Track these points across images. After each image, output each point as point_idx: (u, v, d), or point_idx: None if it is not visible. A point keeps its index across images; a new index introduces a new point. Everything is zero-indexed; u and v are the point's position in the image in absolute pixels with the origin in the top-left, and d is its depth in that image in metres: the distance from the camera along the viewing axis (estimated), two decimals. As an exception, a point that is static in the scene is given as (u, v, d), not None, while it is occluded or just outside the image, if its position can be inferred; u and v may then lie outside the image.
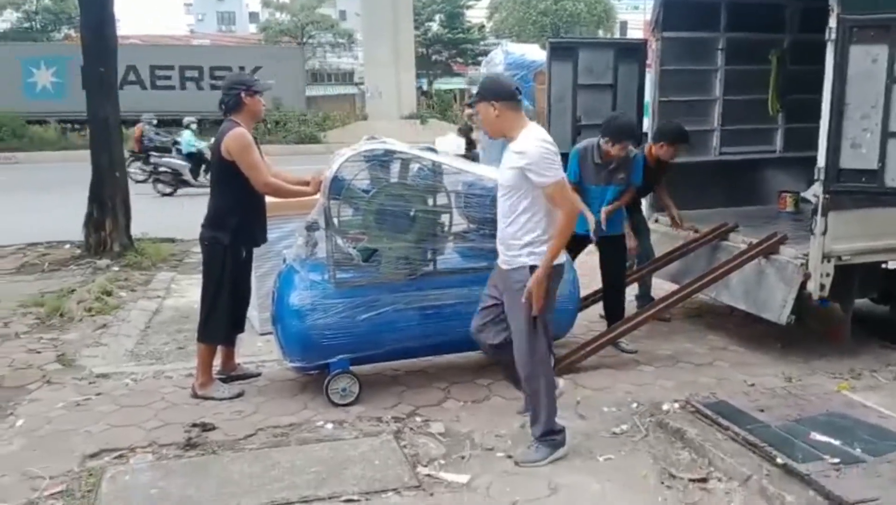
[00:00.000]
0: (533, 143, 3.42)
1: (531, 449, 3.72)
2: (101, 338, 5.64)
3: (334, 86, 37.52)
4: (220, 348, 4.59)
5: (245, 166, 4.22)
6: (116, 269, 7.66)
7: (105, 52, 8.25)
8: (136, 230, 8.49)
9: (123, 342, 5.61)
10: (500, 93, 3.52)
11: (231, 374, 4.67)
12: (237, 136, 4.21)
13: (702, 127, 6.83)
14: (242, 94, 4.31)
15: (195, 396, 4.41)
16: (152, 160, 14.51)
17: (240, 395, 4.44)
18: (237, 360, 4.82)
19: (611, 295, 5.43)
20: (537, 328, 3.57)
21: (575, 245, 5.02)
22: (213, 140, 4.57)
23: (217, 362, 4.61)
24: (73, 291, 6.56)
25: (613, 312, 5.38)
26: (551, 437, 3.71)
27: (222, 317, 4.42)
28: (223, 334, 4.51)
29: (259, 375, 4.78)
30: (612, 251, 5.35)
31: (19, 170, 19.33)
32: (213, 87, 24.00)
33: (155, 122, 16.41)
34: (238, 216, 4.31)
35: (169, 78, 26.30)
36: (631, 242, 5.58)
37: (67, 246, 8.70)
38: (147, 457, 3.76)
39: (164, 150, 15.05)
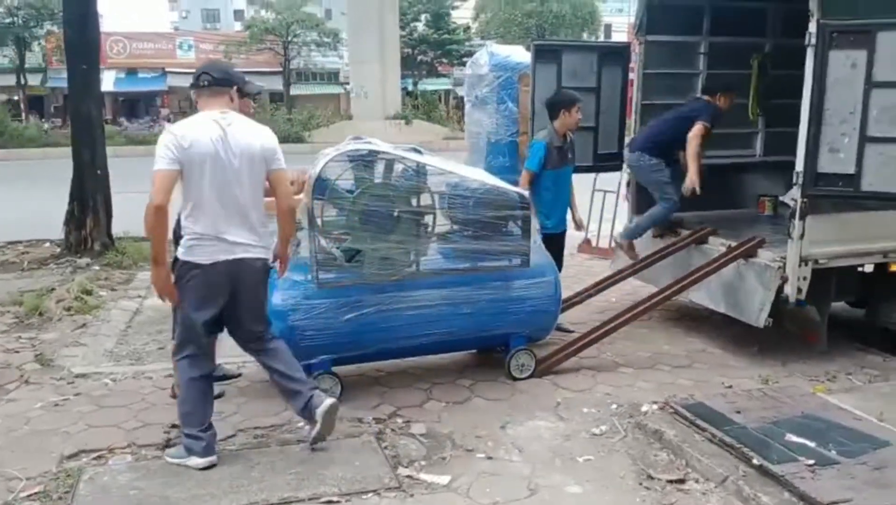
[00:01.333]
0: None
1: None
2: (81, 338, 5.60)
3: (319, 85, 37.41)
4: None
5: None
6: (97, 268, 7.61)
7: (88, 49, 8.19)
8: (117, 229, 8.43)
9: (103, 342, 5.57)
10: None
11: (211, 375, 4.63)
12: None
13: (683, 130, 6.88)
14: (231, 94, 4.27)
15: (174, 396, 4.38)
16: None
17: (219, 396, 4.41)
18: (217, 360, 4.78)
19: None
20: (177, 321, 3.56)
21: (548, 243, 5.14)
22: None
23: None
24: (52, 289, 6.50)
25: None
26: (187, 438, 3.58)
27: None
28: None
29: (240, 375, 4.77)
30: (558, 249, 5.49)
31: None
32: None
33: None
34: None
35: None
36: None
37: (47, 244, 8.62)
38: (126, 458, 3.74)
39: None
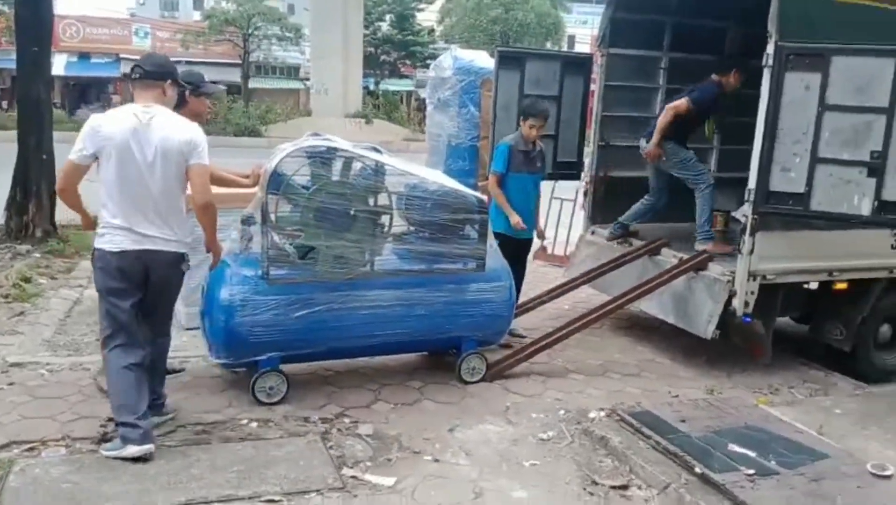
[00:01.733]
0: None
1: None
2: (18, 326, 5.40)
3: (279, 79, 36.96)
4: None
5: None
6: (37, 255, 7.35)
7: (40, 32, 7.96)
8: (61, 216, 8.15)
9: (41, 331, 5.39)
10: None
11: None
12: None
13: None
14: (187, 93, 4.17)
15: (101, 390, 4.18)
16: None
17: (180, 371, 4.32)
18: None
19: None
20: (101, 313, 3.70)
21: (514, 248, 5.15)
22: None
23: None
24: (-10, 275, 6.26)
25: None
26: (123, 428, 3.53)
27: None
28: None
29: (182, 370, 4.65)
30: (522, 252, 5.58)
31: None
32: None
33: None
34: None
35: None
36: None
37: (-14, 229, 8.30)
38: (59, 451, 3.61)
39: None
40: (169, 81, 3.69)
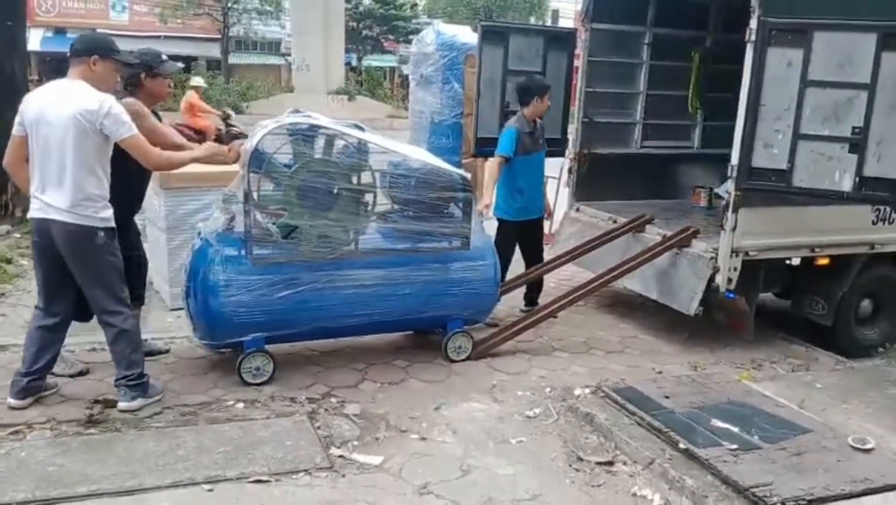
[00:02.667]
0: None
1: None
2: (-1, 307, 5.34)
3: (259, 55, 36.49)
4: None
5: (146, 132, 3.93)
6: (17, 235, 7.24)
7: (13, 5, 7.78)
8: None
9: (22, 313, 5.31)
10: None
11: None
12: (129, 104, 3.92)
13: (625, 120, 6.99)
14: (143, 76, 4.10)
15: (81, 374, 4.25)
16: None
17: (82, 373, 4.25)
18: (144, 335, 4.63)
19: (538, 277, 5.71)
20: None
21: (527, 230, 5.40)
22: None
23: None
24: (-32, 256, 6.18)
25: (537, 295, 5.72)
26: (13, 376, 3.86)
27: None
28: None
29: (167, 351, 4.63)
30: (537, 236, 5.70)
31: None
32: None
33: None
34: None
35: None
36: None
37: (-36, 209, 8.16)
38: (45, 433, 3.59)
39: None
40: (96, 56, 3.70)
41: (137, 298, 4.36)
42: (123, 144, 3.66)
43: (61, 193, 3.60)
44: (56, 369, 4.10)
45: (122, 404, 3.83)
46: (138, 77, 4.10)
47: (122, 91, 4.07)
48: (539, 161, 5.61)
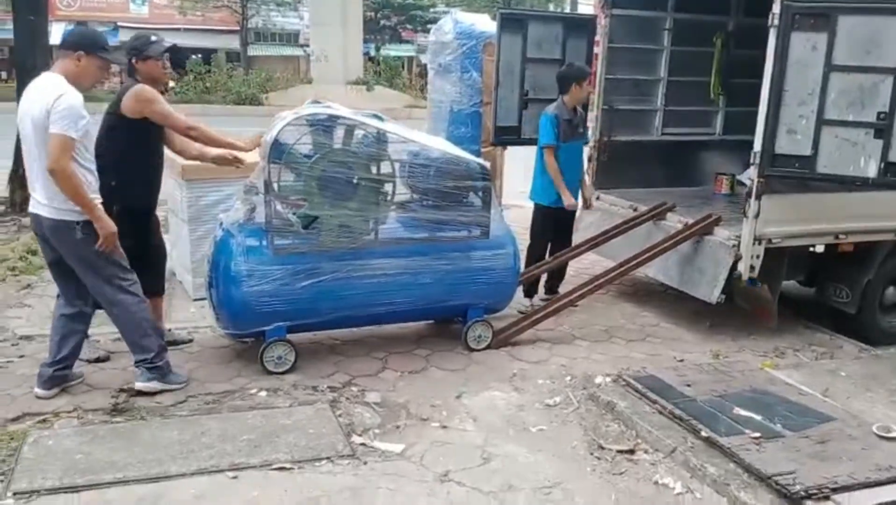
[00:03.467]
0: None
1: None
2: (26, 299, 5.43)
3: (278, 46, 36.55)
4: None
5: (159, 117, 4.06)
6: (43, 227, 7.34)
7: (36, 0, 7.83)
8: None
9: (48, 303, 5.35)
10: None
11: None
12: (139, 91, 4.02)
13: (645, 106, 6.92)
14: (133, 60, 4.12)
15: (97, 360, 4.32)
16: None
17: (103, 359, 4.33)
18: (168, 325, 4.70)
19: (559, 265, 5.70)
20: None
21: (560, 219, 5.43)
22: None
23: None
24: (-5, 248, 6.28)
25: (558, 284, 5.74)
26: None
27: None
28: None
29: (191, 341, 4.68)
30: (569, 222, 5.71)
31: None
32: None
33: None
34: (123, 176, 4.04)
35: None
36: None
37: (-10, 202, 8.30)
38: (72, 422, 3.65)
39: None
40: (81, 52, 3.70)
41: (157, 289, 4.42)
42: (48, 137, 3.55)
43: (40, 188, 3.68)
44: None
45: (138, 384, 3.91)
46: (131, 63, 4.13)
47: (131, 79, 4.13)
48: (578, 149, 5.60)
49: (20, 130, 3.74)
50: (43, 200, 3.68)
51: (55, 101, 3.53)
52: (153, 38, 4.25)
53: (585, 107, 5.72)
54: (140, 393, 3.91)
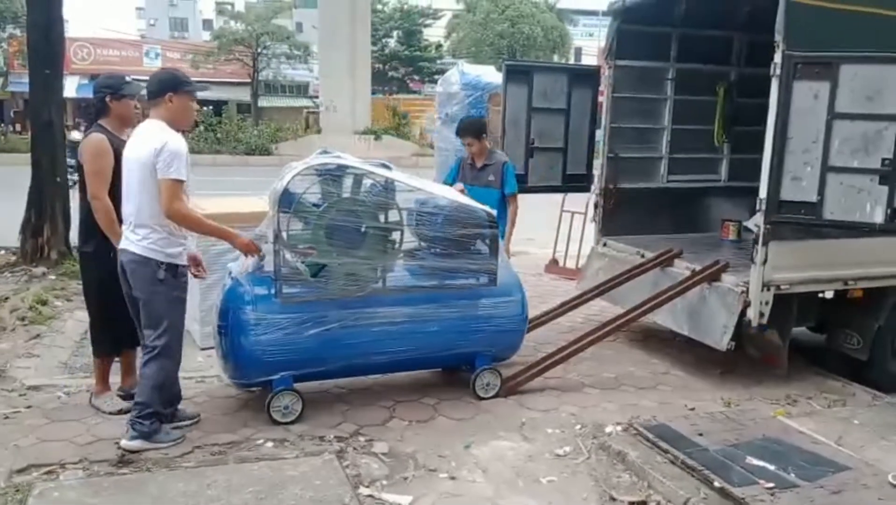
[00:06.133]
0: None
1: None
2: (34, 349, 5.43)
3: (288, 98, 37.23)
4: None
5: (89, 173, 4.07)
6: (53, 277, 7.40)
7: (52, 55, 8.03)
8: (75, 238, 8.20)
9: (57, 354, 5.42)
10: None
11: (130, 391, 4.33)
12: (91, 141, 4.09)
13: (650, 154, 6.99)
14: (108, 98, 4.20)
15: (90, 403, 4.34)
16: None
17: (123, 411, 4.17)
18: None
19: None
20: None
21: None
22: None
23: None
24: (6, 298, 6.30)
25: None
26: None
27: (103, 328, 4.37)
28: (107, 346, 4.41)
29: (198, 419, 4.30)
30: None
31: (-45, 170, 18.57)
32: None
33: (82, 127, 15.92)
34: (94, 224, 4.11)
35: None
36: None
37: (2, 252, 8.35)
38: (77, 473, 3.61)
39: None
40: (170, 93, 3.86)
41: (126, 339, 4.39)
42: (160, 184, 3.75)
43: (135, 225, 3.87)
44: (96, 402, 4.26)
45: (122, 442, 3.87)
46: (104, 101, 4.20)
47: (91, 126, 4.24)
48: (474, 195, 5.16)
49: (124, 175, 3.89)
50: (133, 238, 3.84)
51: (162, 147, 3.72)
52: (127, 78, 4.41)
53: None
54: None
